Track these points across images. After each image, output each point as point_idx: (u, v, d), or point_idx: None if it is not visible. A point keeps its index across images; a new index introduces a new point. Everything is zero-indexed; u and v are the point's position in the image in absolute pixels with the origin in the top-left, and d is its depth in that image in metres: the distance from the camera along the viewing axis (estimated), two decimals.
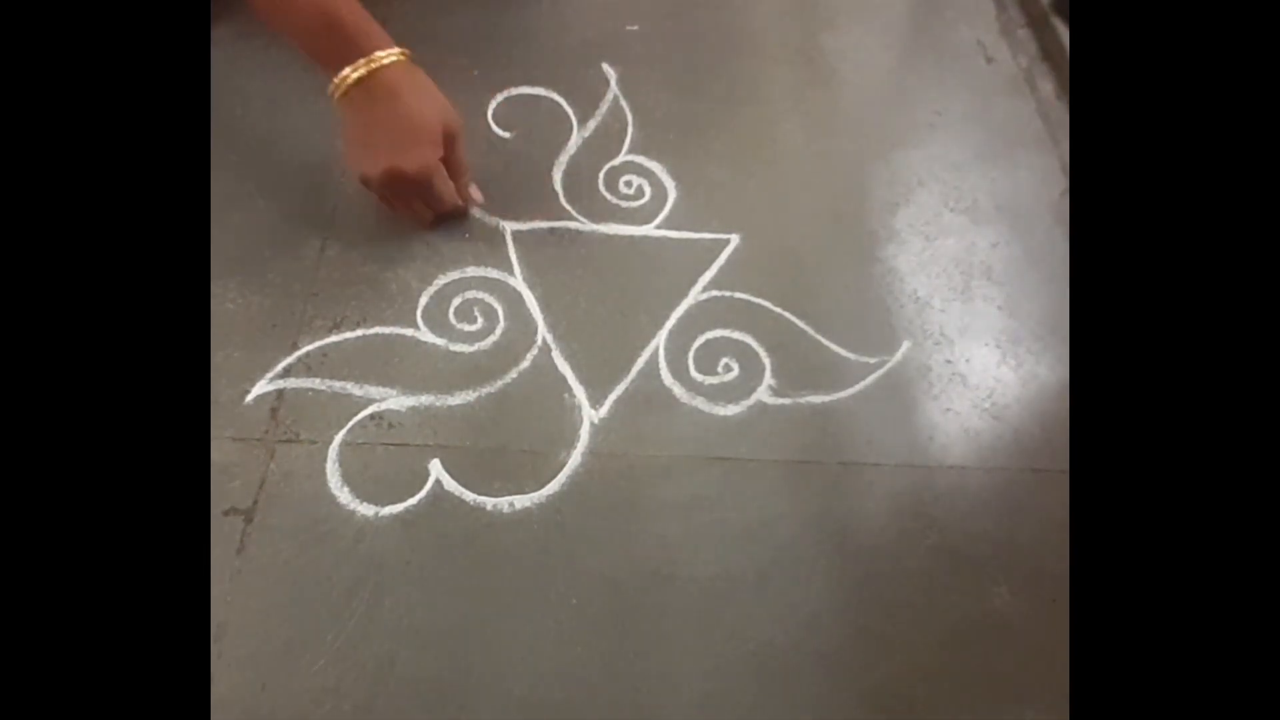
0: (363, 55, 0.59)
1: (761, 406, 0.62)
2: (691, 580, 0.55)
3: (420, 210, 0.67)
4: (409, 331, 0.63)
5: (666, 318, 0.66)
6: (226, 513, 0.55)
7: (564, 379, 0.62)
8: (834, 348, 0.66)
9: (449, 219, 0.69)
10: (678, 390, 0.62)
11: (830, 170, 0.77)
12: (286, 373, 0.61)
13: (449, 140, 0.64)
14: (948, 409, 0.64)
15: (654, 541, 0.56)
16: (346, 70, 0.59)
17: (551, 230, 0.70)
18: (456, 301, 0.65)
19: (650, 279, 0.68)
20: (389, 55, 0.60)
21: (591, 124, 0.77)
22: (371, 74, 0.60)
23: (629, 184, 0.74)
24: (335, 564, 0.53)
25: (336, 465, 0.57)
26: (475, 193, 0.69)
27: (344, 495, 0.56)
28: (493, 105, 0.77)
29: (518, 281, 0.67)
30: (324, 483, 0.56)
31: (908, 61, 0.88)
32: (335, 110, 0.62)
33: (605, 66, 0.82)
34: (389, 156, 0.61)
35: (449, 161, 0.65)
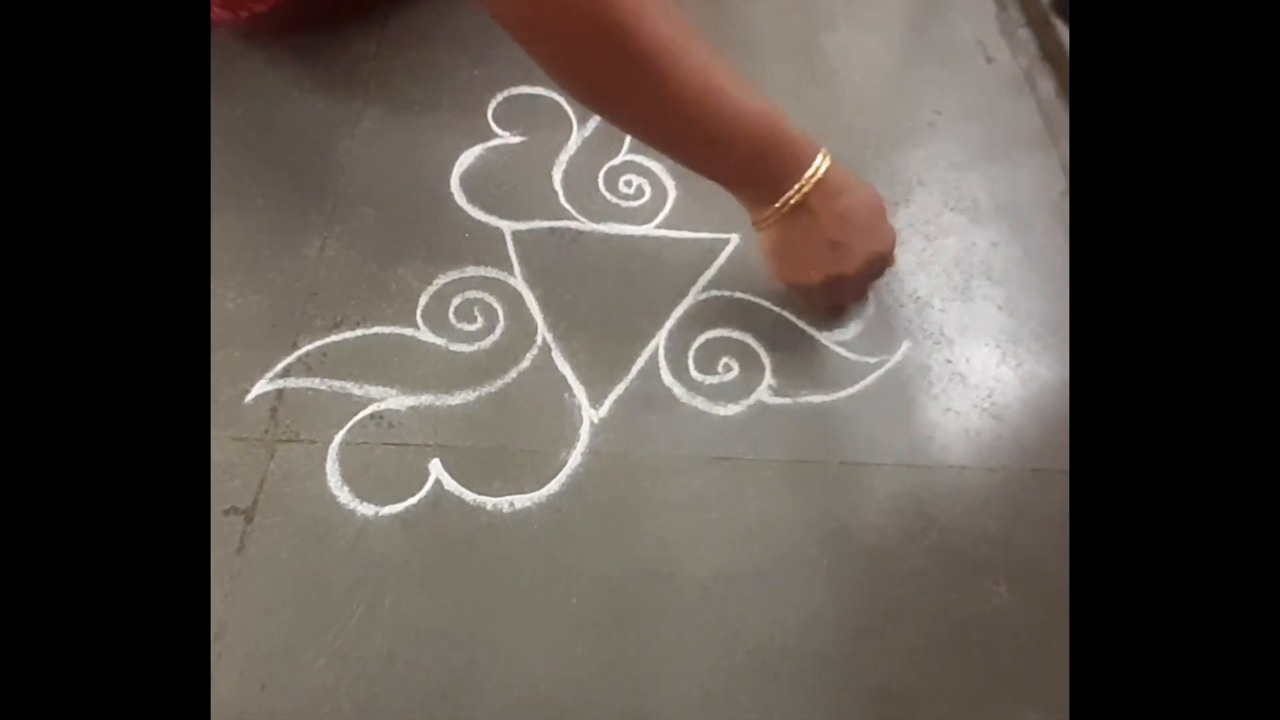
0: (802, 169, 0.55)
1: (761, 406, 0.62)
2: (691, 580, 0.55)
3: (845, 303, 0.66)
4: (409, 331, 0.63)
5: (666, 317, 0.66)
6: (226, 512, 0.55)
7: (564, 379, 0.62)
8: (834, 347, 0.66)
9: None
10: (678, 390, 0.62)
11: None
12: (286, 372, 0.61)
13: (884, 256, 0.61)
14: (948, 409, 0.64)
15: (654, 541, 0.56)
16: (791, 191, 0.55)
17: (551, 230, 0.70)
18: (456, 301, 0.65)
19: (650, 278, 0.68)
20: (824, 159, 0.55)
21: (591, 123, 0.77)
22: (805, 198, 0.55)
23: (629, 184, 0.74)
24: (335, 563, 0.53)
25: (336, 465, 0.57)
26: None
27: (344, 495, 0.56)
28: (493, 105, 0.77)
29: (518, 281, 0.67)
30: (324, 482, 0.56)
31: (908, 61, 0.88)
32: (764, 231, 0.59)
33: None
34: (837, 264, 0.58)
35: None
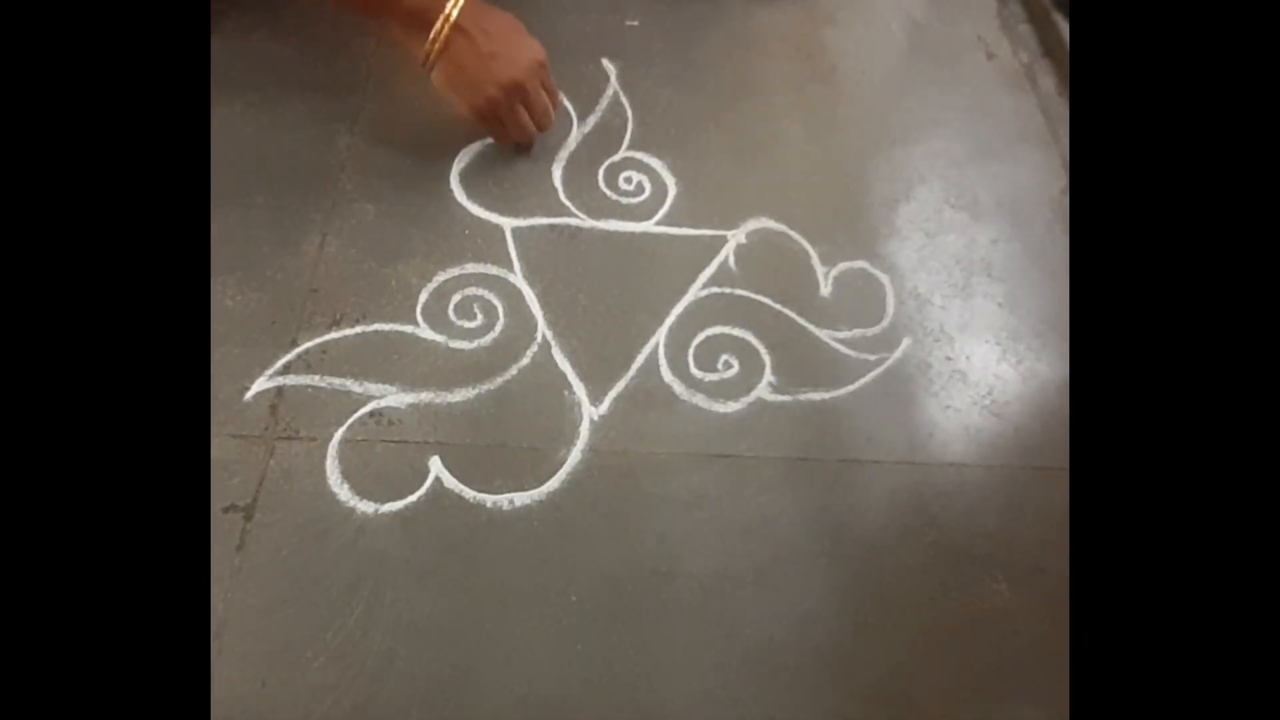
0: (435, 17, 0.65)
1: (761, 403, 0.62)
2: (691, 577, 0.55)
3: (526, 123, 0.71)
4: (409, 328, 0.63)
5: (666, 314, 0.66)
6: (226, 510, 0.55)
7: (564, 376, 0.62)
8: (834, 345, 0.66)
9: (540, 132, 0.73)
10: (678, 387, 0.62)
11: (831, 166, 0.77)
12: (286, 370, 0.60)
13: (542, 61, 0.70)
14: (947, 406, 0.64)
15: (654, 538, 0.56)
16: (428, 44, 0.66)
17: (551, 227, 0.70)
18: (456, 298, 0.65)
19: (650, 276, 0.68)
20: (455, 5, 0.65)
21: (591, 120, 0.77)
22: (453, 29, 0.65)
23: (629, 180, 0.73)
24: (335, 561, 0.53)
25: (336, 462, 0.57)
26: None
27: (344, 492, 0.56)
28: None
29: (517, 278, 0.67)
30: (324, 480, 0.56)
31: (908, 57, 0.88)
32: (434, 77, 0.68)
33: (605, 62, 0.81)
34: (499, 70, 0.67)
35: (545, 84, 0.71)
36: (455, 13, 0.65)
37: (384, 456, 0.57)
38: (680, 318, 0.66)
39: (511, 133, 0.71)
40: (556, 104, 0.74)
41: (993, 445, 0.62)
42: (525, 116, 0.70)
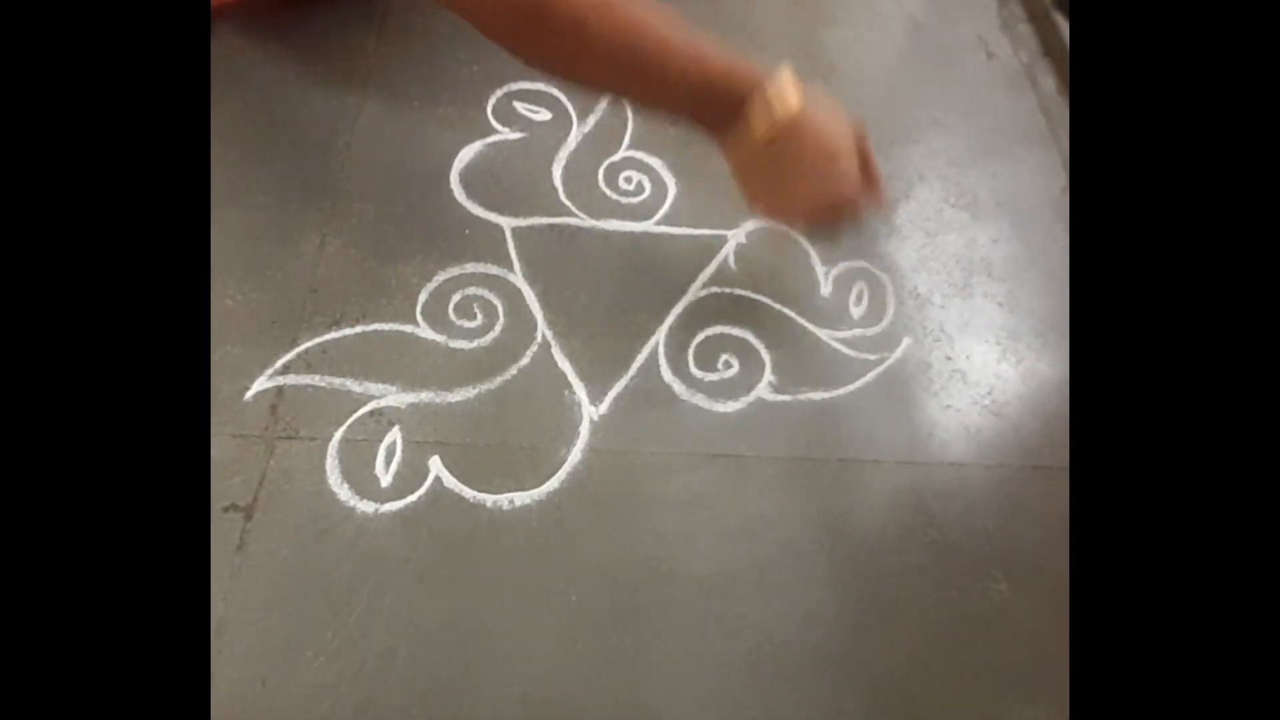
0: (746, 96, 0.53)
1: (761, 403, 0.62)
2: (691, 576, 0.55)
3: (844, 227, 0.62)
4: (409, 328, 0.63)
5: (666, 314, 0.66)
6: (226, 509, 0.55)
7: (564, 375, 0.62)
8: (834, 344, 0.66)
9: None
10: (678, 387, 0.62)
11: None
12: (286, 369, 0.60)
13: (862, 149, 0.58)
14: (948, 406, 0.64)
15: (654, 538, 0.56)
16: (754, 125, 0.53)
17: (551, 226, 0.70)
18: (456, 298, 0.65)
19: (650, 275, 0.68)
20: (786, 84, 0.53)
21: (591, 119, 0.77)
22: (782, 131, 0.53)
23: (629, 180, 0.73)
24: (335, 561, 0.53)
25: (336, 462, 0.57)
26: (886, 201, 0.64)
27: (344, 492, 0.56)
28: (492, 101, 0.77)
29: (517, 278, 0.67)
30: (324, 479, 0.56)
31: (908, 57, 0.88)
32: (736, 163, 0.58)
33: None
34: (818, 188, 0.56)
35: (864, 167, 0.58)
36: (795, 101, 0.52)
37: (384, 456, 0.57)
38: (680, 317, 0.66)
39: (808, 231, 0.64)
40: (878, 186, 0.60)
41: (992, 445, 0.62)
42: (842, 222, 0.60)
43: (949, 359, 0.66)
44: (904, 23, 0.91)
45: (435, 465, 0.57)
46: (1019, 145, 0.80)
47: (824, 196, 0.56)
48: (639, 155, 0.75)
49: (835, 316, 0.67)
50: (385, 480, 0.56)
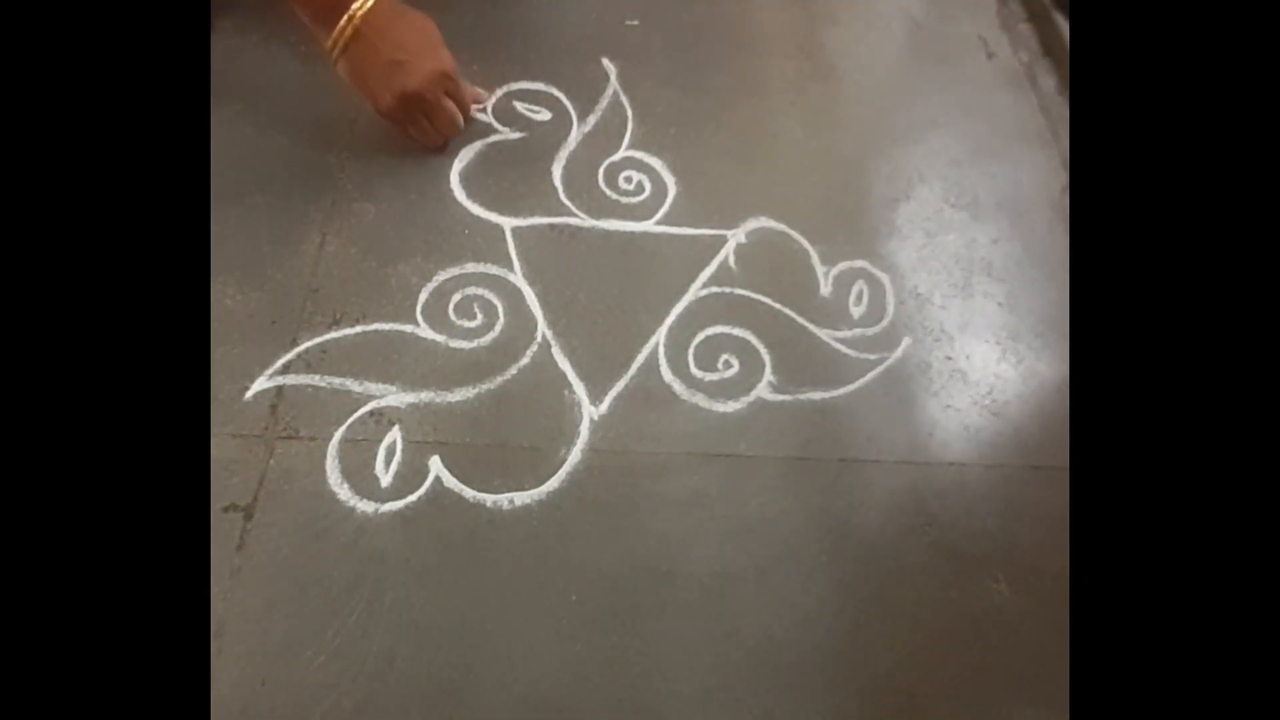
0: (341, 14, 0.64)
1: (761, 403, 0.62)
2: (691, 576, 0.55)
3: (429, 131, 0.71)
4: (409, 328, 0.63)
5: (666, 314, 0.66)
6: (226, 509, 0.55)
7: (564, 375, 0.62)
8: (834, 344, 0.66)
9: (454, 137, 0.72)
10: (678, 387, 0.62)
11: (830, 166, 0.77)
12: (286, 369, 0.60)
13: (447, 73, 0.68)
14: (947, 405, 0.64)
15: (654, 538, 0.56)
16: (335, 32, 0.64)
17: (551, 226, 0.70)
18: (456, 298, 0.65)
19: (650, 275, 0.68)
20: (361, 6, 0.64)
21: (591, 119, 0.77)
22: (357, 29, 0.64)
23: (629, 180, 0.73)
24: (335, 560, 0.53)
25: (336, 462, 0.57)
26: (480, 92, 0.76)
27: (344, 492, 0.56)
28: (492, 101, 0.77)
29: (517, 278, 0.67)
30: (323, 479, 0.56)
31: (908, 57, 0.88)
32: (338, 71, 0.67)
33: (605, 62, 0.81)
34: (400, 80, 0.66)
35: (452, 93, 0.70)
36: (360, 13, 0.64)
37: (384, 456, 0.57)
38: (680, 317, 0.66)
39: (415, 138, 0.71)
40: (468, 115, 0.73)
41: (993, 445, 0.62)
42: (428, 125, 0.70)
43: (949, 359, 0.66)
44: (904, 23, 0.91)
45: (435, 465, 0.57)
46: (1019, 145, 0.80)
47: (398, 89, 0.66)
48: (639, 155, 0.75)
49: (835, 316, 0.67)
50: (385, 480, 0.56)
